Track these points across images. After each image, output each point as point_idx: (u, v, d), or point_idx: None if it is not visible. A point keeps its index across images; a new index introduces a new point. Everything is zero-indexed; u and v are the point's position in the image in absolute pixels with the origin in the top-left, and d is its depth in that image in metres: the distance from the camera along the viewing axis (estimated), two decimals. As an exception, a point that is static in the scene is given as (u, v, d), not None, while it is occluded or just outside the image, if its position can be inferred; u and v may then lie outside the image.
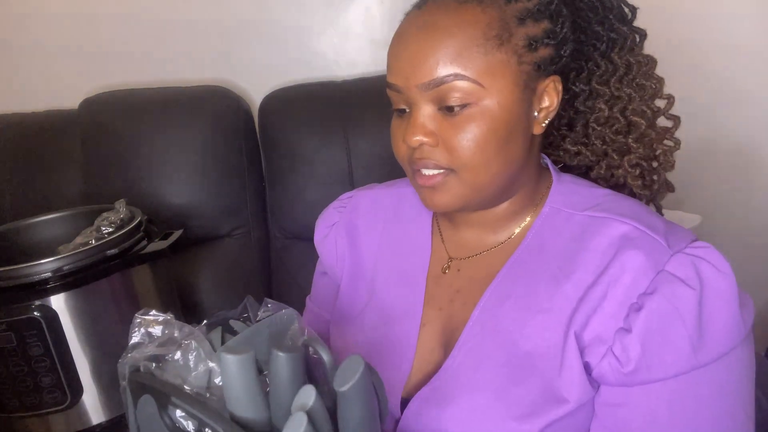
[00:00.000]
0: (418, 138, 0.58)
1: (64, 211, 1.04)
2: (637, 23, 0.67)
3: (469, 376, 0.59)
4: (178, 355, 0.47)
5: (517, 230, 0.66)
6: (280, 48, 1.36)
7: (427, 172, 0.60)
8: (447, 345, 0.64)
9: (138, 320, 0.50)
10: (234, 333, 0.52)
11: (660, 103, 0.66)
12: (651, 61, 0.65)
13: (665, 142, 0.66)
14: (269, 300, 0.53)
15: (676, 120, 0.67)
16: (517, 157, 0.60)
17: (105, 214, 0.96)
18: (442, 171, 0.59)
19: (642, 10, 0.67)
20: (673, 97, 0.65)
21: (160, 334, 0.50)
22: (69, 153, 1.25)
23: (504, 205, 0.65)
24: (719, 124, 1.34)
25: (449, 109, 0.57)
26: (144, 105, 1.25)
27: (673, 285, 0.54)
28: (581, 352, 0.57)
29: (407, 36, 0.59)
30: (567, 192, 0.65)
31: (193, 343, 0.47)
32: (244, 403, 0.43)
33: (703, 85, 1.30)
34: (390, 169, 0.95)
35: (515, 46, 0.57)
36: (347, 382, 0.42)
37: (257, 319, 0.53)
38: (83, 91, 1.32)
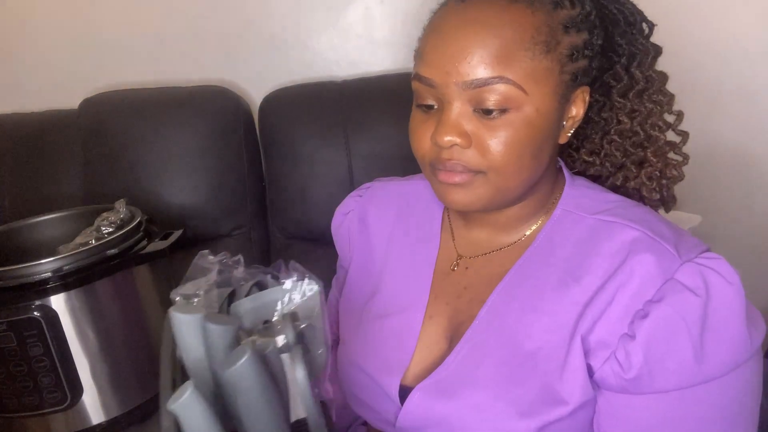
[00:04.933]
0: (450, 138, 0.56)
1: (64, 211, 1.04)
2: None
3: (470, 372, 0.60)
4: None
5: (529, 232, 0.66)
6: (280, 48, 1.36)
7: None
8: (452, 339, 0.64)
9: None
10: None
11: (669, 118, 0.67)
12: (664, 77, 0.66)
13: (675, 156, 0.67)
14: (297, 265, 0.51)
15: (685, 135, 0.68)
16: (544, 163, 0.60)
17: (105, 214, 0.96)
18: (469, 173, 0.58)
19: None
20: (683, 113, 0.66)
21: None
22: (69, 153, 1.25)
23: (518, 207, 0.65)
24: (719, 124, 1.34)
25: (487, 112, 0.55)
26: (144, 105, 1.25)
27: (681, 294, 0.53)
28: (585, 354, 0.56)
29: (450, 29, 0.56)
30: (579, 195, 0.65)
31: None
32: (190, 358, 0.45)
33: (703, 84, 1.30)
34: (390, 169, 0.95)
35: (560, 54, 0.56)
36: (230, 365, 0.41)
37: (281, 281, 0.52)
38: (83, 91, 1.32)
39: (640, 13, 0.65)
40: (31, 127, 1.28)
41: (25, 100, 1.36)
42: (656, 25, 0.65)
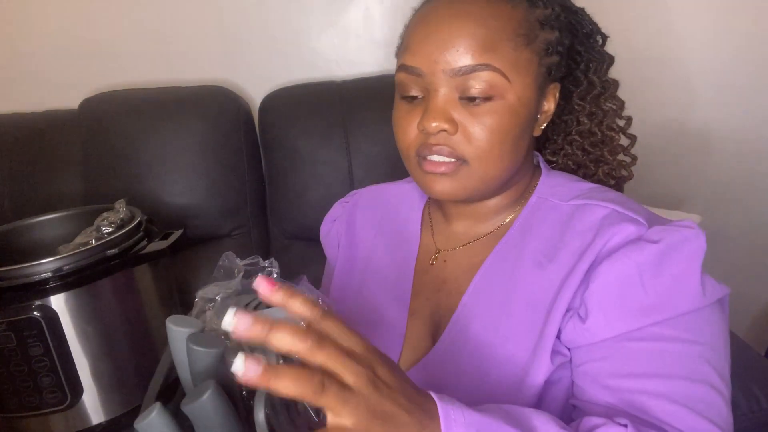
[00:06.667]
0: (437, 124, 0.58)
1: (64, 211, 1.04)
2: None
3: (453, 363, 0.60)
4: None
5: (505, 221, 0.67)
6: (280, 48, 1.36)
7: (438, 159, 0.60)
8: (435, 334, 0.65)
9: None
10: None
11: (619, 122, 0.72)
12: (617, 84, 0.71)
13: (624, 157, 0.72)
14: (311, 287, 0.53)
15: (633, 138, 0.73)
16: (522, 154, 0.63)
17: (105, 214, 0.96)
18: (453, 160, 0.59)
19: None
20: (631, 118, 0.72)
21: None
22: (69, 153, 1.25)
23: (498, 198, 0.67)
24: (720, 123, 1.34)
25: (472, 99, 0.58)
26: (144, 105, 1.25)
27: (638, 243, 0.55)
28: (560, 323, 0.57)
29: (436, 20, 0.59)
30: (555, 184, 0.67)
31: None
32: (181, 370, 0.47)
33: (703, 83, 1.31)
34: (390, 169, 0.96)
35: (538, 47, 0.60)
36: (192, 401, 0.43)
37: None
38: (83, 91, 1.32)
39: (596, 24, 0.70)
40: (31, 127, 1.28)
41: (25, 100, 1.36)
42: (609, 37, 0.70)
